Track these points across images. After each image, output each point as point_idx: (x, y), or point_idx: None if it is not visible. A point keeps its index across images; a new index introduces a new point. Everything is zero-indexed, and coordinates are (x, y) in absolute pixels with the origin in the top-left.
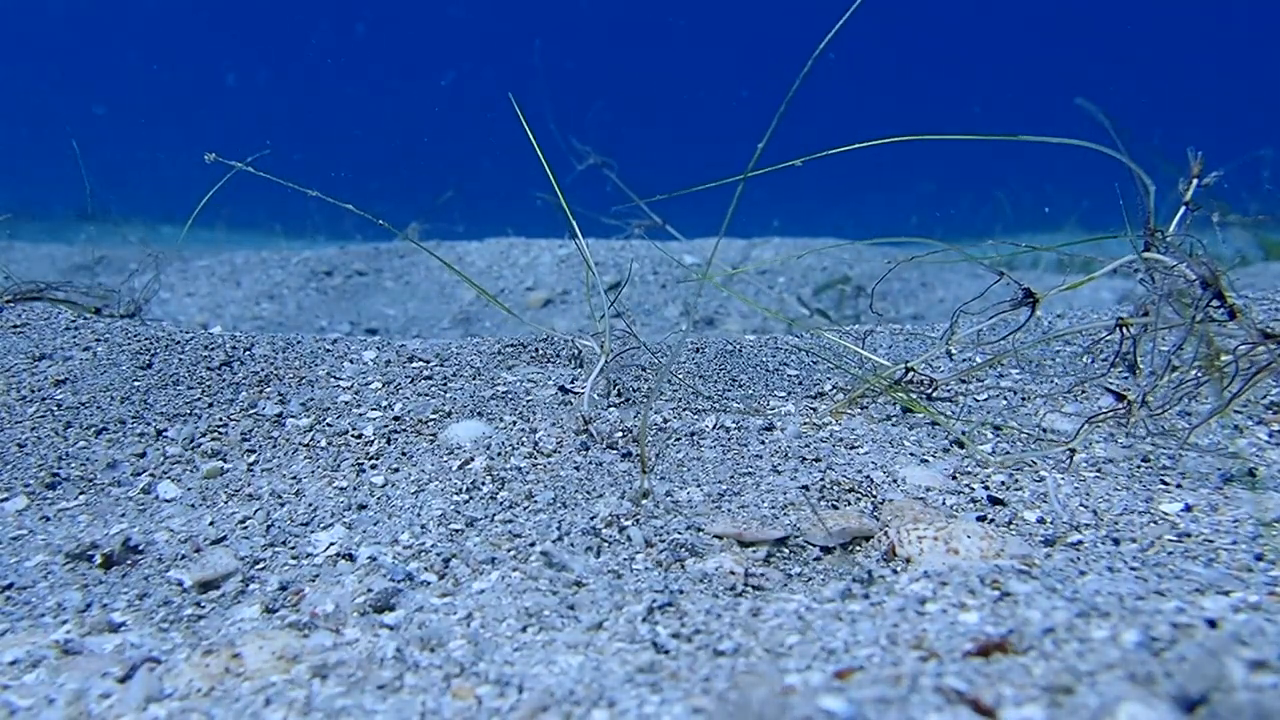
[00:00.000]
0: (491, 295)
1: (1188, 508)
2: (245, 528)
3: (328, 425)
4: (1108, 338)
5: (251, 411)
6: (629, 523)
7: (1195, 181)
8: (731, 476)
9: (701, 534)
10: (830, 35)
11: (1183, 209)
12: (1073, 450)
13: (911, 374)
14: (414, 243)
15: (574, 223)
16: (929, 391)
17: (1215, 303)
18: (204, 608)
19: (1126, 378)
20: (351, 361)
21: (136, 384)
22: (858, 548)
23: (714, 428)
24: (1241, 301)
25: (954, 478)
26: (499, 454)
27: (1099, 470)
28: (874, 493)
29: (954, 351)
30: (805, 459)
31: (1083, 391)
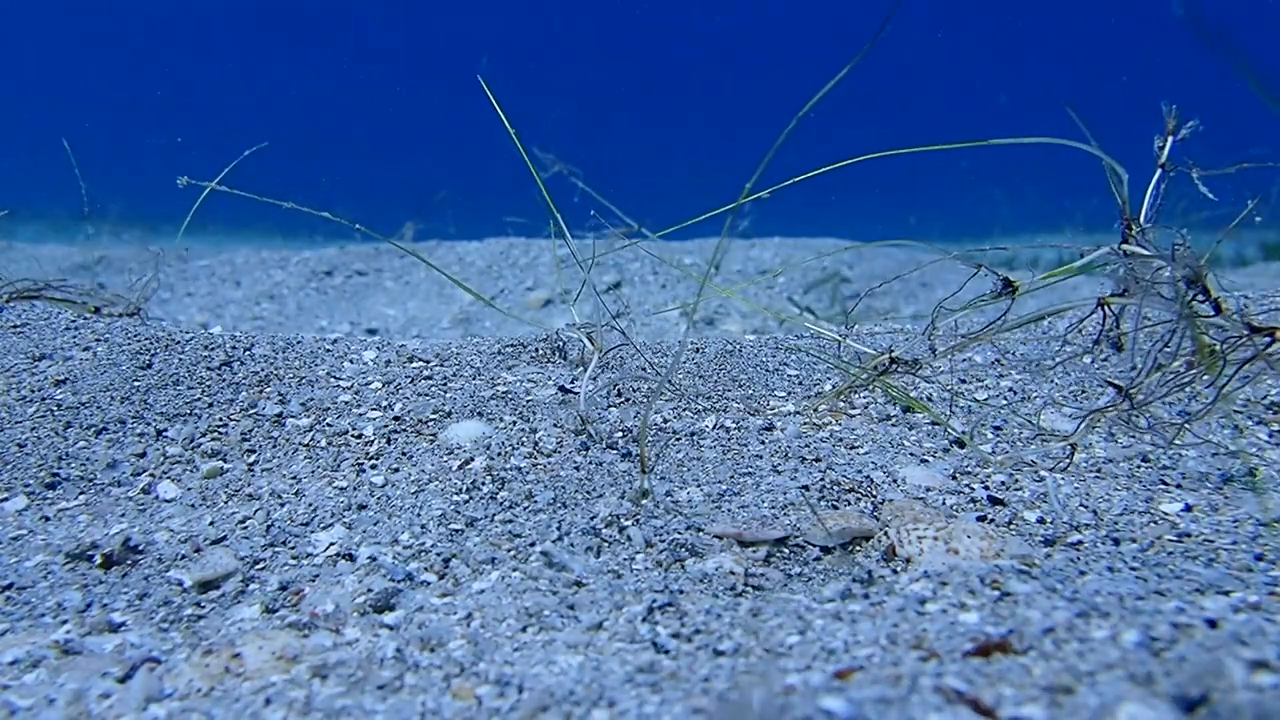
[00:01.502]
0: (486, 299)
1: (1188, 508)
2: (245, 528)
3: (328, 425)
4: (1086, 318)
5: (251, 411)
6: (629, 523)
7: (1170, 139)
8: (731, 476)
9: (701, 534)
10: (853, 63)
11: (1159, 172)
12: (1074, 446)
13: (895, 362)
14: (403, 248)
15: (563, 225)
16: (914, 372)
17: (1200, 298)
18: (204, 608)
19: (1111, 357)
20: (351, 361)
21: (136, 384)
22: (858, 548)
23: (714, 428)
24: (1240, 302)
25: (954, 478)
26: (499, 454)
27: (1099, 470)
28: (874, 493)
29: (937, 348)
30: (805, 459)
31: (1083, 391)
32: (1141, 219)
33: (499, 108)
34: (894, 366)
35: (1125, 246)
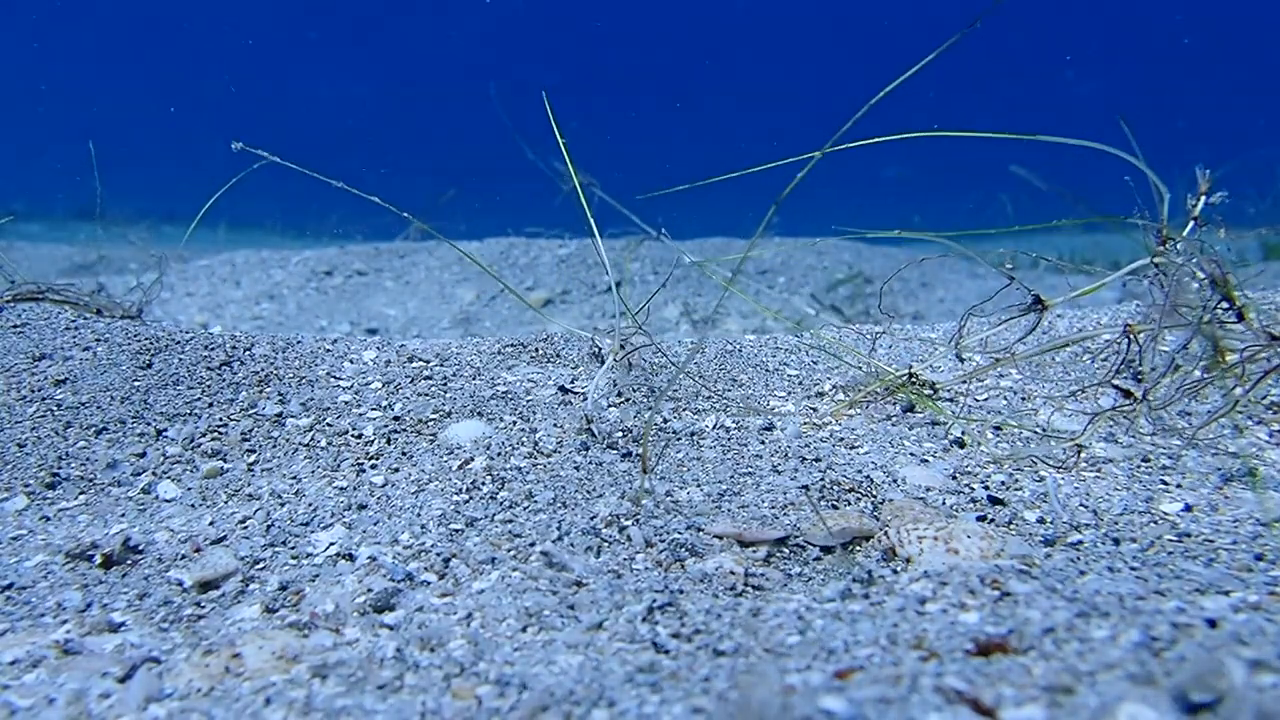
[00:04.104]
0: (507, 284)
1: (1188, 508)
2: (245, 528)
3: (328, 425)
4: (1114, 341)
5: (251, 411)
6: (629, 523)
7: (1204, 198)
8: (731, 476)
9: (701, 534)
10: (896, 83)
11: (1191, 224)
12: (1080, 447)
13: (913, 379)
14: (430, 231)
15: (592, 223)
16: (929, 395)
17: (1223, 304)
18: (204, 608)
19: (1134, 383)
20: (351, 361)
21: (136, 384)
22: (858, 548)
23: (714, 428)
24: (1241, 302)
25: (954, 478)
26: (499, 454)
27: (1099, 470)
28: (874, 493)
29: (964, 356)
30: (805, 459)
31: (1083, 393)
32: (1166, 242)
33: (555, 124)
34: (912, 381)
35: (1158, 259)
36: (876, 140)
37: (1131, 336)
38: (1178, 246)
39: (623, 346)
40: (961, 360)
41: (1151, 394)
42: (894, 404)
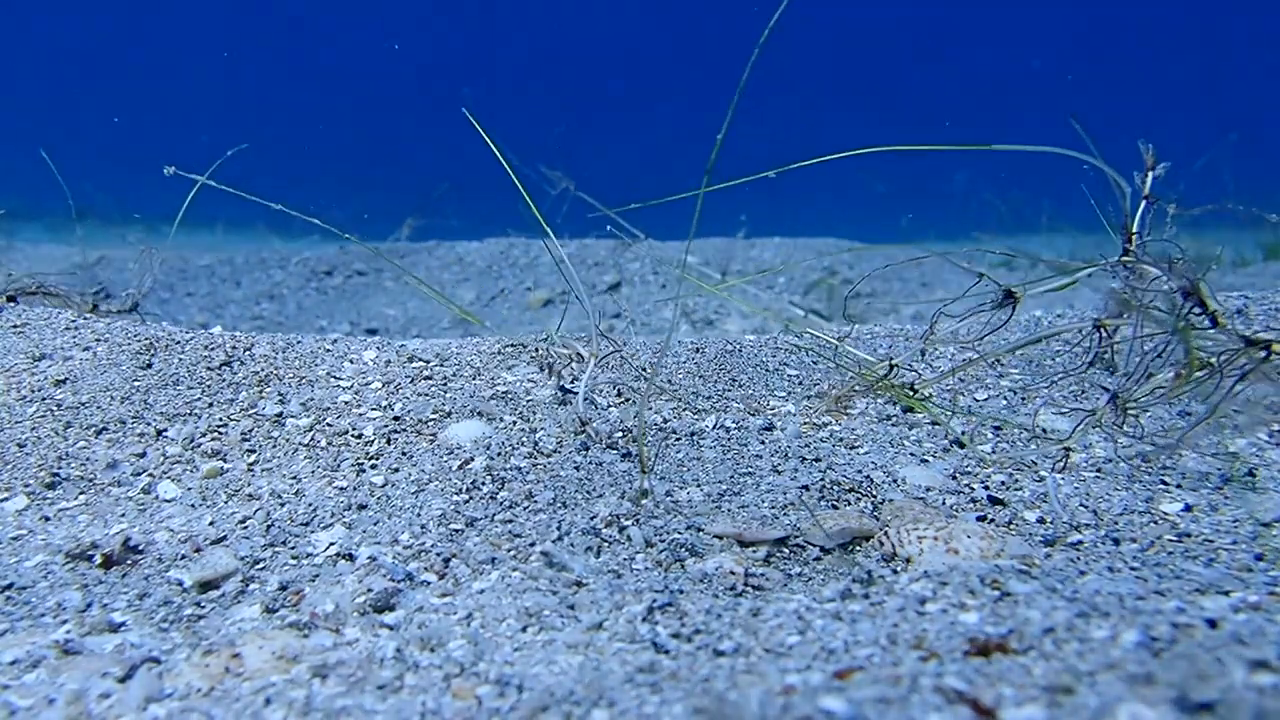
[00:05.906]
0: (462, 309)
1: (1188, 508)
2: (245, 528)
3: (328, 425)
4: (1090, 334)
5: (251, 411)
6: (629, 523)
7: (1150, 175)
8: (731, 476)
9: (701, 534)
10: (765, 32)
11: (1143, 203)
12: (1068, 450)
13: (895, 372)
14: (393, 264)
15: (553, 237)
16: (909, 391)
17: (1197, 310)
18: (204, 608)
19: (1108, 376)
20: (351, 361)
21: (136, 384)
22: (858, 548)
23: (714, 428)
24: (1241, 302)
25: (954, 478)
26: (499, 454)
27: (1099, 470)
28: (874, 493)
29: (930, 350)
30: (805, 459)
31: (1082, 391)
32: (1132, 239)
33: (487, 136)
34: (893, 373)
35: (1125, 259)
36: (842, 155)
37: (1103, 331)
38: (1144, 246)
39: (612, 349)
40: (924, 355)
41: (1131, 397)
42: (894, 403)
